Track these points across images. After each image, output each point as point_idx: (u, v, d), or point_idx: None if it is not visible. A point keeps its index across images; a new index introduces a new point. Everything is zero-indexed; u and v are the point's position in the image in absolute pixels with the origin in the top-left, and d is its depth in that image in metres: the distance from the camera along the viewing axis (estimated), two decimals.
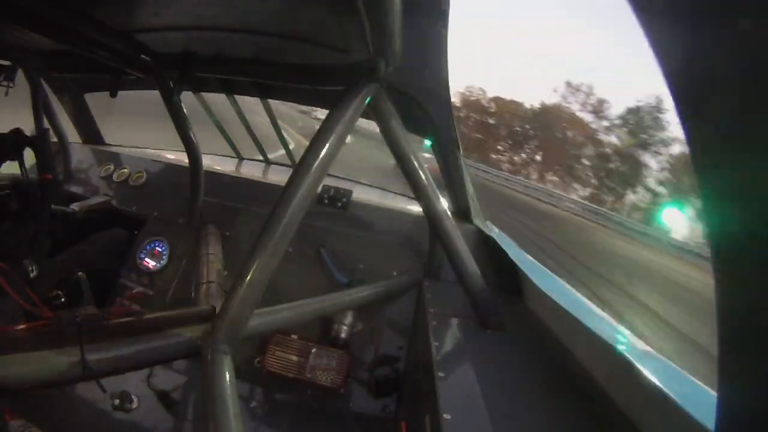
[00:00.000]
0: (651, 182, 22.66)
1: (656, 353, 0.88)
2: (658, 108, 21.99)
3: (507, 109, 27.08)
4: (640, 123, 22.93)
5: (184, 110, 1.52)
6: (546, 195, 17.24)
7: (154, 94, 1.48)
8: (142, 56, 1.20)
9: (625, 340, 0.92)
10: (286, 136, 2.26)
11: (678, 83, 0.31)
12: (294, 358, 1.44)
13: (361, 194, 1.82)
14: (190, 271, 1.59)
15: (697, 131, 0.32)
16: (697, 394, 0.69)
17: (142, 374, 1.30)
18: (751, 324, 0.32)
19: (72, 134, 1.99)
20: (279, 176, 2.11)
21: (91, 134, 2.15)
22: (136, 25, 1.08)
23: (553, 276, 1.47)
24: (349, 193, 1.74)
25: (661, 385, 0.68)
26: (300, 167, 0.96)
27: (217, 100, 1.84)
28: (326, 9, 0.81)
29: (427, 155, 1.36)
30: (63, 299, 1.30)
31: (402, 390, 1.41)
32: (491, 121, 27.16)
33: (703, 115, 0.31)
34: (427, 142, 1.46)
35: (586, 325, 0.96)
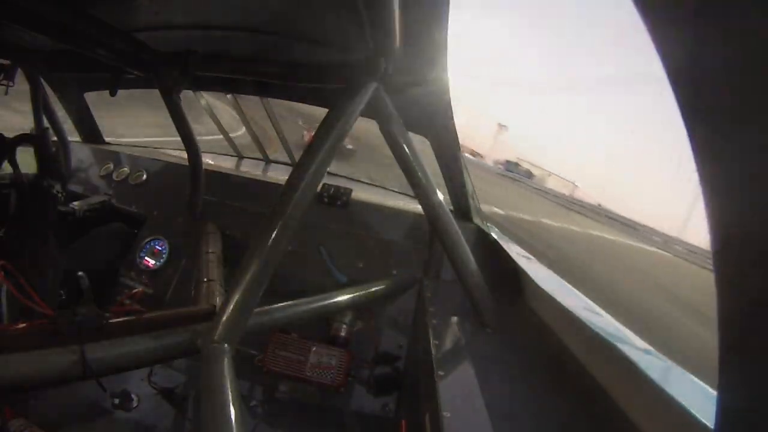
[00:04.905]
0: None
1: (656, 353, 0.88)
2: None
3: None
4: None
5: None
6: None
7: None
8: (142, 55, 1.20)
9: (626, 339, 0.92)
10: None
11: (681, 83, 0.31)
12: (294, 356, 1.43)
13: (361, 193, 1.82)
14: (190, 269, 1.59)
15: (699, 131, 0.32)
16: (698, 393, 0.69)
17: (142, 373, 1.30)
18: (751, 323, 0.32)
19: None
20: (279, 175, 2.10)
21: (90, 133, 2.15)
22: (136, 23, 1.07)
23: (553, 276, 1.47)
24: (348, 191, 1.74)
25: (661, 385, 0.68)
26: (300, 166, 0.95)
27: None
28: (327, 8, 0.81)
29: None
30: (63, 298, 1.30)
31: (402, 388, 1.42)
32: None
33: (706, 114, 0.31)
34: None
35: (586, 325, 0.96)
